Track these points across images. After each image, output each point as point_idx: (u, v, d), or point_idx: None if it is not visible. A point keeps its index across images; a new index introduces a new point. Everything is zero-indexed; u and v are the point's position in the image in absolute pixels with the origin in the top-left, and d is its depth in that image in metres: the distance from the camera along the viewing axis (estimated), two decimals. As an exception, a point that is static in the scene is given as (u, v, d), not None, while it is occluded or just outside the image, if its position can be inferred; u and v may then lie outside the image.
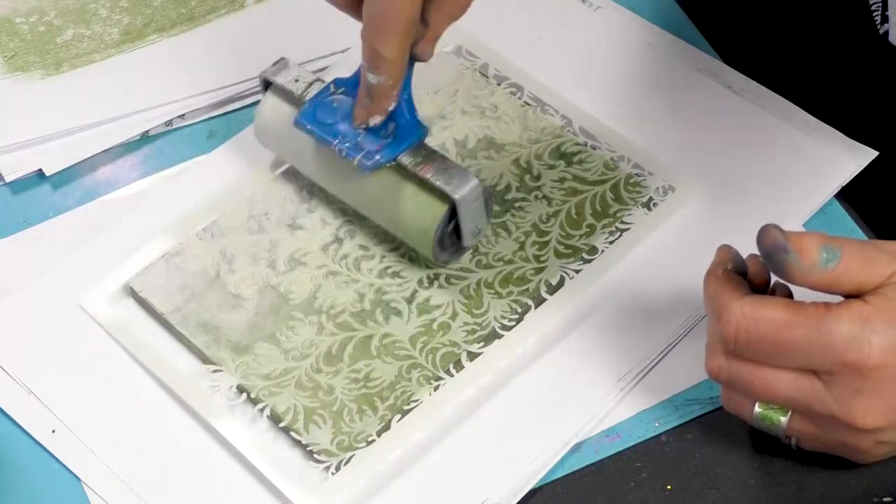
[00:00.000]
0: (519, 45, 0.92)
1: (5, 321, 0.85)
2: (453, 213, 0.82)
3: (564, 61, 0.95)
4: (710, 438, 0.79)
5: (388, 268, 0.86)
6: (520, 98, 0.93)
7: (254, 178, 0.90)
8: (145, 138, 0.94)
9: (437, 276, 0.85)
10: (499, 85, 0.94)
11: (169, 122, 0.95)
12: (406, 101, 0.82)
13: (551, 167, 0.90)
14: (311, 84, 0.86)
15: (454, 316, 0.84)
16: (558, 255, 0.86)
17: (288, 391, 0.81)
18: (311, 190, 0.89)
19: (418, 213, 0.83)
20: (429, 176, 0.82)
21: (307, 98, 0.85)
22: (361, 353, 0.82)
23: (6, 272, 0.87)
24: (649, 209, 0.87)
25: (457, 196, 0.81)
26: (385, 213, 0.85)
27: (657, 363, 0.82)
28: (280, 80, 0.87)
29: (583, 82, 0.94)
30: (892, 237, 0.75)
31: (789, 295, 0.76)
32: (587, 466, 0.79)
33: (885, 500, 0.76)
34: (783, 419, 0.74)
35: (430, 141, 0.91)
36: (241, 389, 0.81)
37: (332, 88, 0.85)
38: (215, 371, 0.82)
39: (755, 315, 0.72)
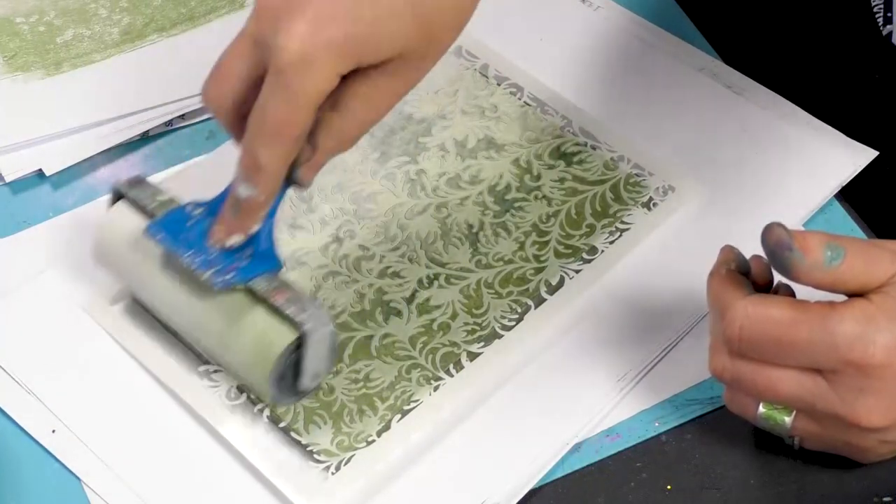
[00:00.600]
0: (519, 46, 0.92)
1: (5, 321, 0.85)
2: (298, 346, 0.76)
3: (564, 61, 0.95)
4: (710, 438, 0.79)
5: (388, 268, 0.86)
6: (520, 98, 0.93)
7: (254, 178, 0.90)
8: (145, 138, 0.94)
9: (437, 277, 0.85)
10: (499, 85, 0.94)
11: (169, 122, 0.95)
12: (268, 230, 0.77)
13: (551, 167, 0.90)
14: (166, 201, 0.81)
15: (454, 316, 0.84)
16: (558, 255, 0.86)
17: (288, 391, 0.81)
18: (311, 190, 0.89)
19: (263, 338, 0.76)
20: (281, 302, 0.75)
21: (164, 211, 0.80)
22: (361, 354, 0.82)
23: (6, 272, 0.87)
24: (649, 209, 0.87)
25: (308, 326, 0.75)
26: (227, 336, 0.78)
27: (657, 363, 0.82)
28: (134, 194, 0.81)
29: (583, 82, 0.94)
30: (892, 237, 0.75)
31: (792, 295, 0.75)
32: (587, 466, 0.79)
33: (886, 499, 0.76)
34: (787, 419, 0.74)
35: (431, 140, 0.91)
36: (240, 389, 0.81)
37: (190, 207, 0.79)
38: (215, 371, 0.82)
39: (759, 314, 0.72)
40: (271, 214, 0.77)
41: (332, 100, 0.72)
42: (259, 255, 0.77)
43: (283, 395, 0.77)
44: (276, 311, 0.76)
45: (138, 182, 0.82)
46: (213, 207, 0.78)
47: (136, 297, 0.84)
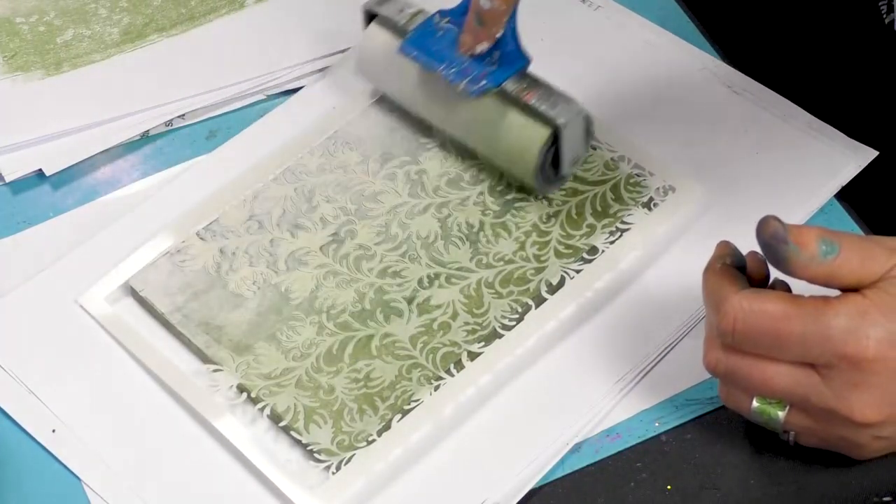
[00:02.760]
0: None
1: (5, 321, 0.85)
2: (555, 140, 0.84)
3: (564, 61, 0.95)
4: (710, 438, 0.79)
5: (388, 268, 0.86)
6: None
7: (254, 178, 0.90)
8: (145, 138, 0.94)
9: (437, 276, 0.85)
10: (500, 85, 0.94)
11: (169, 122, 0.95)
12: (512, 30, 0.84)
13: (552, 167, 0.90)
14: (415, 14, 0.89)
15: (454, 316, 0.84)
16: (559, 254, 0.86)
17: (288, 391, 0.81)
18: (311, 189, 0.89)
19: (521, 138, 0.85)
20: (532, 101, 0.84)
21: (411, 28, 0.87)
22: (362, 353, 0.82)
23: (6, 272, 0.87)
24: (650, 209, 0.87)
25: (560, 121, 0.83)
26: (487, 139, 0.87)
27: (657, 363, 0.82)
28: (384, 10, 0.89)
29: (583, 82, 0.94)
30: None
31: (788, 291, 0.76)
32: (587, 466, 0.79)
33: (885, 499, 0.76)
34: (781, 414, 0.74)
35: (432, 140, 0.91)
36: (241, 389, 0.81)
37: (437, 18, 0.87)
38: (215, 370, 0.82)
39: (753, 307, 0.72)
40: (513, 14, 0.83)
41: None
42: (506, 56, 0.85)
43: (547, 183, 0.87)
44: (529, 109, 0.84)
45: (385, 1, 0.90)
46: (458, 14, 0.85)
47: (403, 106, 0.92)
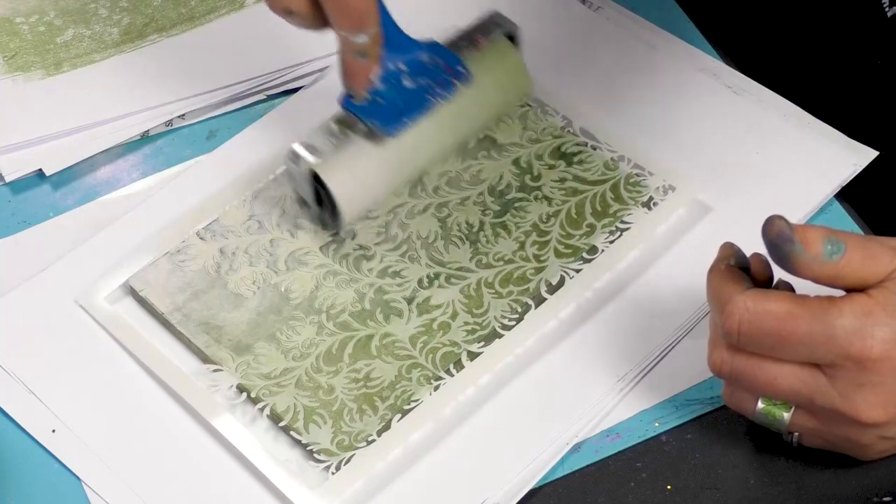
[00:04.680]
0: (519, 46, 0.92)
1: (5, 321, 0.85)
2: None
3: (564, 61, 0.95)
4: (710, 438, 0.79)
5: (388, 267, 0.86)
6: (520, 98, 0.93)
7: (254, 178, 0.90)
8: (145, 138, 0.94)
9: (437, 276, 0.85)
10: (499, 85, 0.94)
11: (169, 122, 0.95)
12: (387, 25, 0.84)
13: (551, 167, 0.90)
14: (338, 124, 0.86)
15: (454, 315, 0.84)
16: (558, 254, 0.86)
17: (288, 391, 0.81)
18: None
19: (507, 63, 0.89)
20: (483, 39, 0.88)
21: (357, 127, 0.85)
22: (361, 353, 0.82)
23: (6, 272, 0.87)
24: (649, 209, 0.87)
25: (516, 31, 0.89)
26: (495, 92, 0.88)
27: (657, 363, 0.82)
28: (317, 141, 0.85)
29: (583, 82, 0.94)
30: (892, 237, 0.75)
31: (791, 291, 0.76)
32: (587, 466, 0.79)
33: (885, 499, 0.76)
34: (786, 415, 0.74)
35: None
36: (241, 389, 0.81)
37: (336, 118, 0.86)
38: (215, 370, 0.82)
39: (758, 307, 0.72)
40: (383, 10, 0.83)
41: None
42: (392, 44, 0.84)
43: None
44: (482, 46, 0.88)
45: (312, 134, 0.86)
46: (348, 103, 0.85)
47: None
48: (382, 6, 0.83)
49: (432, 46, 0.87)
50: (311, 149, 0.84)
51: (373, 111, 0.84)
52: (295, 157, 0.84)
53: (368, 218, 0.88)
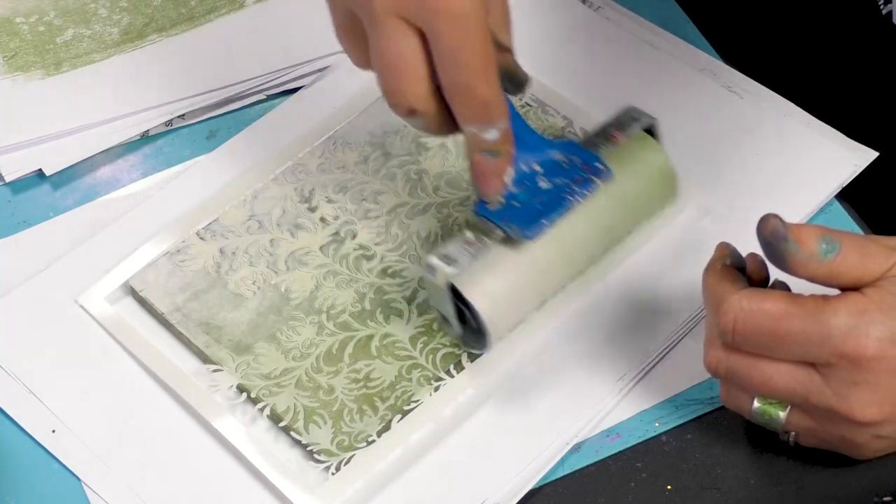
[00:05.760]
0: (519, 46, 0.91)
1: (5, 320, 0.85)
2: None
3: (564, 61, 0.95)
4: (710, 438, 0.79)
5: (388, 268, 0.86)
6: (520, 98, 0.93)
7: (254, 178, 0.90)
8: (145, 138, 0.94)
9: (437, 276, 0.85)
10: (499, 85, 0.94)
11: (169, 122, 0.95)
12: (517, 123, 0.78)
13: (552, 167, 0.90)
14: (472, 230, 0.80)
15: (454, 316, 0.84)
16: (558, 255, 0.86)
17: (288, 391, 0.81)
18: (311, 189, 0.89)
19: (649, 157, 0.83)
20: (620, 135, 0.82)
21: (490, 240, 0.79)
22: (362, 353, 0.82)
23: (6, 272, 0.87)
24: (649, 209, 0.87)
25: (653, 121, 0.83)
26: (638, 186, 0.83)
27: (657, 363, 0.82)
28: (453, 251, 0.79)
29: (583, 83, 0.94)
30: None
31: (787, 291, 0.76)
32: (587, 466, 0.79)
33: (886, 499, 0.76)
34: (782, 414, 0.74)
35: (432, 140, 0.91)
36: (241, 389, 0.81)
37: (470, 234, 0.80)
38: (215, 370, 0.82)
39: (753, 307, 0.72)
40: (512, 110, 0.78)
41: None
42: (526, 145, 0.79)
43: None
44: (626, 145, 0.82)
45: (444, 255, 0.79)
46: (489, 214, 0.79)
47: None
48: (510, 103, 0.77)
49: (566, 145, 0.81)
50: (446, 259, 0.78)
51: (509, 215, 0.78)
52: (431, 269, 0.78)
53: (368, 218, 0.88)
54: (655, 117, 0.83)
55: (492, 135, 0.76)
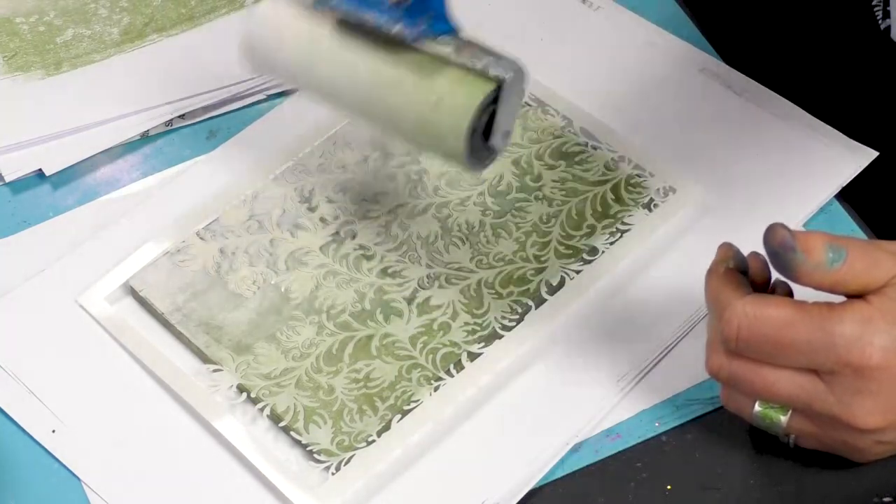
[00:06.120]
0: (519, 46, 0.91)
1: (5, 320, 0.85)
2: (493, 101, 0.76)
3: (564, 61, 0.95)
4: (710, 438, 0.79)
5: (388, 268, 0.86)
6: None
7: (254, 178, 0.90)
8: (145, 138, 0.94)
9: (437, 276, 0.85)
10: (499, 85, 0.94)
11: (169, 122, 0.95)
12: None
13: (552, 167, 0.90)
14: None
15: (454, 316, 0.84)
16: (559, 255, 0.86)
17: (288, 391, 0.81)
18: (311, 189, 0.89)
19: (459, 92, 0.75)
20: (472, 55, 0.75)
21: None
22: (362, 353, 0.82)
23: (6, 272, 0.87)
24: (650, 210, 0.87)
25: (506, 76, 0.75)
26: (415, 97, 0.77)
27: (657, 363, 0.82)
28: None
29: (583, 82, 0.94)
30: (892, 237, 0.75)
31: (790, 293, 0.76)
32: (587, 466, 0.79)
33: (886, 500, 0.76)
34: (783, 418, 0.74)
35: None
36: (241, 389, 0.81)
37: None
38: (215, 370, 0.82)
39: (757, 314, 0.72)
40: None
41: None
42: (438, 18, 0.76)
43: (474, 155, 0.76)
44: (467, 66, 0.75)
45: None
46: None
47: (302, 85, 0.82)
48: None
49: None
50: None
51: None
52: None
53: (368, 218, 0.88)
54: (515, 75, 0.75)
55: None
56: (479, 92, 0.75)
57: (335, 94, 0.80)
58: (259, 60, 0.83)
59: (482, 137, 0.77)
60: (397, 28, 0.76)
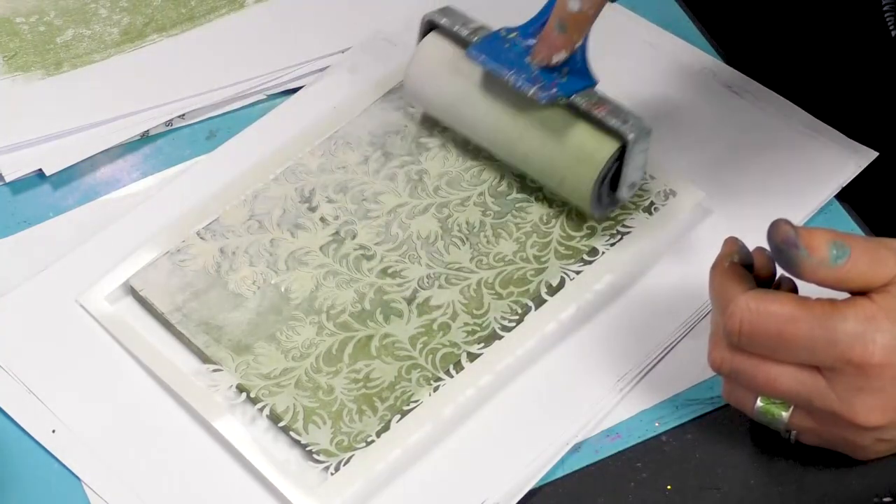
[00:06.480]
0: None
1: (5, 320, 0.85)
2: (620, 156, 0.83)
3: (565, 61, 0.95)
4: (710, 438, 0.79)
5: (388, 268, 0.86)
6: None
7: (254, 178, 0.90)
8: (145, 138, 0.94)
9: (437, 277, 0.85)
10: (499, 85, 0.94)
11: (169, 122, 0.95)
12: (583, 48, 0.82)
13: (552, 167, 0.90)
14: (479, 28, 0.87)
15: (454, 316, 0.84)
16: (559, 256, 0.86)
17: (288, 391, 0.81)
18: (311, 189, 0.89)
19: (586, 149, 0.83)
20: (603, 115, 0.82)
21: (475, 39, 0.86)
22: (361, 354, 0.82)
23: (6, 272, 0.87)
24: (650, 214, 0.87)
25: (630, 135, 0.82)
26: (549, 153, 0.85)
27: (657, 363, 0.82)
28: (446, 21, 0.88)
29: (583, 82, 0.94)
30: (892, 237, 0.75)
31: (794, 289, 0.76)
32: (587, 466, 0.79)
33: (886, 499, 0.76)
34: (785, 414, 0.74)
35: (432, 141, 0.91)
36: (240, 389, 0.81)
37: (503, 31, 0.85)
38: (215, 370, 0.82)
39: (760, 309, 0.72)
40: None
41: None
42: (576, 73, 0.83)
43: (601, 203, 0.84)
44: (599, 122, 0.83)
45: (449, 12, 0.88)
46: (527, 29, 0.84)
47: (446, 121, 0.90)
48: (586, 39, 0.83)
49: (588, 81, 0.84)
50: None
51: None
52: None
53: (368, 218, 0.88)
54: (638, 134, 0.83)
55: (577, 6, 0.80)
56: (606, 150, 0.83)
57: (478, 136, 0.88)
58: (414, 93, 0.90)
59: (609, 188, 0.84)
60: (532, 91, 0.82)
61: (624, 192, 0.84)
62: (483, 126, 0.87)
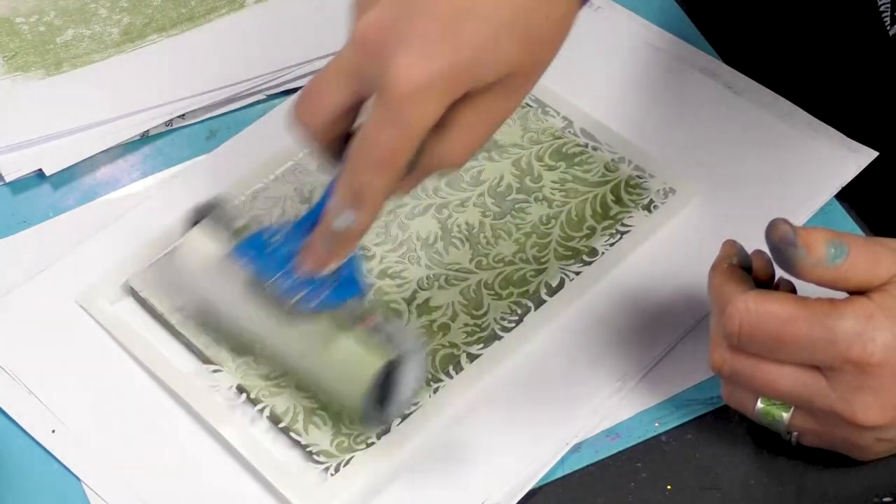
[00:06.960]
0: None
1: (5, 320, 0.85)
2: (388, 372, 0.76)
3: (565, 62, 0.95)
4: (710, 438, 0.79)
5: (388, 268, 0.86)
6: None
7: (253, 178, 0.90)
8: (145, 138, 0.94)
9: (437, 278, 0.85)
10: (499, 85, 0.94)
11: (169, 122, 0.95)
12: (356, 256, 0.75)
13: (552, 168, 0.90)
14: (244, 226, 0.80)
15: (454, 317, 0.84)
16: (558, 256, 0.86)
17: (288, 392, 0.81)
18: (311, 189, 0.89)
19: (353, 365, 0.76)
20: (369, 329, 0.76)
21: (241, 237, 0.79)
22: (361, 354, 0.82)
23: (6, 272, 0.87)
24: (650, 211, 0.87)
25: (396, 353, 0.75)
26: (315, 364, 0.78)
27: (657, 363, 0.82)
28: (213, 216, 0.81)
29: (583, 83, 0.94)
30: (892, 237, 0.75)
31: (793, 290, 0.76)
32: (587, 466, 0.79)
33: (886, 500, 0.77)
34: (785, 415, 0.74)
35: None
36: (240, 389, 0.81)
37: (268, 233, 0.77)
38: (215, 371, 0.82)
39: (759, 309, 0.72)
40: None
41: (437, 124, 0.69)
42: (344, 281, 0.76)
43: (372, 418, 0.77)
44: (364, 337, 0.76)
45: (215, 205, 0.81)
46: (295, 232, 0.76)
47: (212, 321, 0.82)
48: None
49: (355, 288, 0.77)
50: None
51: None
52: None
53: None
54: (410, 349, 0.76)
55: (346, 222, 0.72)
56: (371, 368, 0.75)
57: (236, 338, 0.81)
58: (180, 285, 0.82)
59: (378, 404, 0.76)
60: (292, 303, 0.75)
61: (394, 409, 0.77)
62: (251, 333, 0.80)
